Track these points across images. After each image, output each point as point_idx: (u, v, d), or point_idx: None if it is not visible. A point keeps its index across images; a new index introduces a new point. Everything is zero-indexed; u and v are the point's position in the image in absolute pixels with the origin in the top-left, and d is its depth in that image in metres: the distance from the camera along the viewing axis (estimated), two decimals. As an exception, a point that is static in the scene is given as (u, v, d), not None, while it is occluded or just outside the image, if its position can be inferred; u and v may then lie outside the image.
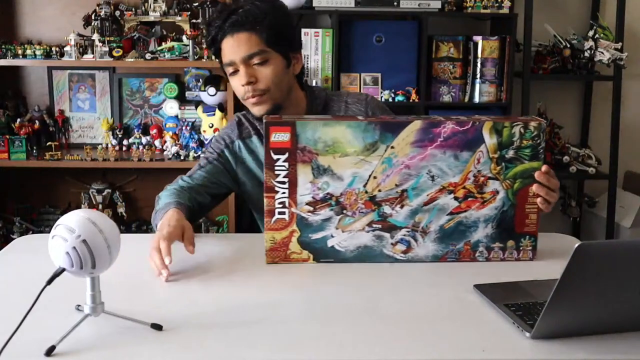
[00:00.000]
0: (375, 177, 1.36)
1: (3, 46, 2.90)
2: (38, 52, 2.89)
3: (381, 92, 2.91)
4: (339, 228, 1.38)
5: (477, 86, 2.94)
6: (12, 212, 3.10)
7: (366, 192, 1.36)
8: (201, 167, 1.71)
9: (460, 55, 2.93)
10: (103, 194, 3.12)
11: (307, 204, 1.36)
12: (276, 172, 1.34)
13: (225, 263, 1.43)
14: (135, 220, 3.18)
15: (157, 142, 3.04)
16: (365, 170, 1.35)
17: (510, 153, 1.37)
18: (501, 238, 1.41)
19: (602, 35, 2.97)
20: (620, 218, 3.11)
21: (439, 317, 1.15)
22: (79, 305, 1.13)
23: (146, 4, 2.98)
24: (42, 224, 3.10)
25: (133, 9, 3.00)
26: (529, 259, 1.43)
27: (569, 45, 3.02)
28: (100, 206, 3.10)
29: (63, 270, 1.01)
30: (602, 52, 2.93)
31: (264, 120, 1.34)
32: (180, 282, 1.31)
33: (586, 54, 2.97)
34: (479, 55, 2.92)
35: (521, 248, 1.42)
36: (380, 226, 1.38)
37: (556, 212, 3.29)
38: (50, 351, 0.99)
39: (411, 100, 2.88)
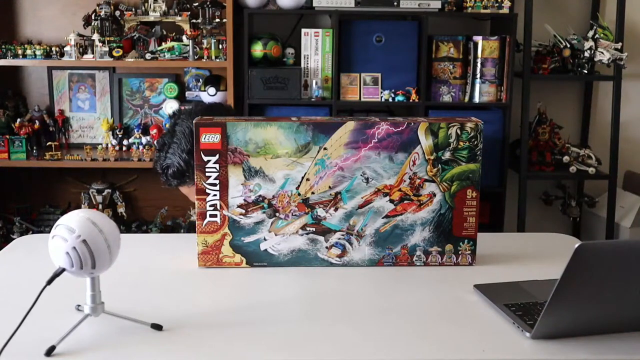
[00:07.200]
0: (308, 179, 1.33)
1: (3, 46, 2.90)
2: (38, 52, 2.89)
3: (381, 92, 2.90)
4: (272, 231, 1.35)
5: (477, 86, 2.93)
6: (12, 212, 3.09)
7: (299, 194, 1.33)
8: None
9: (460, 55, 2.93)
10: (103, 194, 3.12)
11: (238, 206, 1.33)
12: (207, 174, 1.32)
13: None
14: (135, 220, 3.17)
15: (157, 142, 3.04)
16: (297, 172, 1.32)
17: (447, 154, 1.33)
18: (439, 242, 1.37)
19: (602, 35, 2.97)
20: (620, 218, 3.11)
21: (439, 317, 1.15)
22: (79, 305, 1.13)
23: (146, 4, 2.98)
24: (42, 224, 3.10)
25: (133, 9, 3.00)
26: (468, 263, 1.39)
27: (569, 45, 3.01)
28: (100, 206, 3.10)
29: (63, 270, 1.01)
30: (602, 52, 2.93)
31: (194, 121, 1.31)
32: (180, 282, 1.31)
33: (586, 54, 2.97)
34: (479, 55, 2.92)
35: (460, 252, 1.38)
36: (314, 229, 1.35)
37: (556, 212, 3.30)
38: (50, 351, 0.99)
39: (411, 101, 2.88)
